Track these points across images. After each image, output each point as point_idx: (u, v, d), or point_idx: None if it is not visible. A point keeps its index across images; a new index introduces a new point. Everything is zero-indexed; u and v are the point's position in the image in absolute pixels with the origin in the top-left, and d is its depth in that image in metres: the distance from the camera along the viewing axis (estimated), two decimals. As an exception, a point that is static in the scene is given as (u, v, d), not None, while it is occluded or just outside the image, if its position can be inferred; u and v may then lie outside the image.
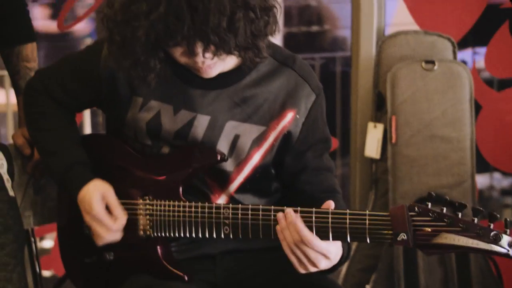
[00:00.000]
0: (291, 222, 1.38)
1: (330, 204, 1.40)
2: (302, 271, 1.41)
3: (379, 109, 2.51)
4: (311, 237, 1.37)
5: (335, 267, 1.46)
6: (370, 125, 2.52)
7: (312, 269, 1.40)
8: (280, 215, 1.40)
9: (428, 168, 2.39)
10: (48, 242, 3.36)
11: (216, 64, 1.45)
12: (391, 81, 2.42)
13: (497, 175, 4.22)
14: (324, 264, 1.40)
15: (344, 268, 2.56)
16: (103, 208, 1.55)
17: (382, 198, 2.49)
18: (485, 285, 2.39)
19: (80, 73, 1.63)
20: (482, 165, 2.79)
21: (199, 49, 1.37)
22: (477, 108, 2.51)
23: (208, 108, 1.55)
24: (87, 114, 3.55)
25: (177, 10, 1.31)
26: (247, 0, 1.34)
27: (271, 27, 1.42)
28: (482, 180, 3.74)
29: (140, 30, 1.34)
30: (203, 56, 1.38)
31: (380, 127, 2.48)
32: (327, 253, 1.38)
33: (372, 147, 2.50)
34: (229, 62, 1.50)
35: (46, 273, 2.81)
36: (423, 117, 2.39)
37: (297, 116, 1.56)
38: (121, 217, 1.55)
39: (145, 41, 1.36)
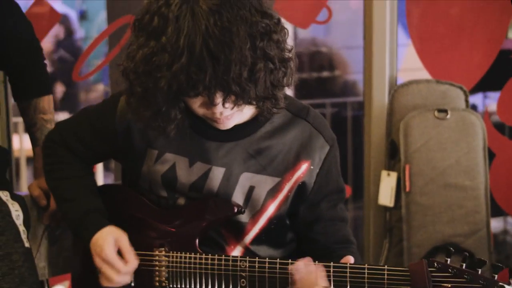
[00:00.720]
0: (311, 271, 1.37)
1: (349, 259, 1.40)
2: None
3: (393, 157, 2.51)
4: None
5: None
6: (384, 173, 2.51)
7: None
8: (300, 263, 1.39)
9: (442, 216, 2.38)
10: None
11: (233, 116, 1.46)
12: (404, 129, 2.43)
13: (510, 219, 4.19)
14: None
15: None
16: (114, 251, 1.55)
17: (397, 247, 2.48)
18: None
19: (97, 127, 1.65)
20: (496, 209, 2.77)
21: (219, 99, 1.38)
22: (490, 155, 2.51)
23: (223, 160, 1.56)
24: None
25: (199, 61, 1.32)
26: (267, 51, 1.36)
27: (288, 78, 1.43)
28: (495, 224, 3.71)
29: (163, 80, 1.35)
30: (223, 106, 1.39)
31: (394, 175, 2.48)
32: None
33: (386, 195, 2.49)
34: (246, 114, 1.51)
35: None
36: (437, 166, 2.39)
37: (311, 167, 1.57)
38: (132, 261, 1.55)
39: (167, 92, 1.37)
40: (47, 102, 1.93)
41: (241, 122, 1.53)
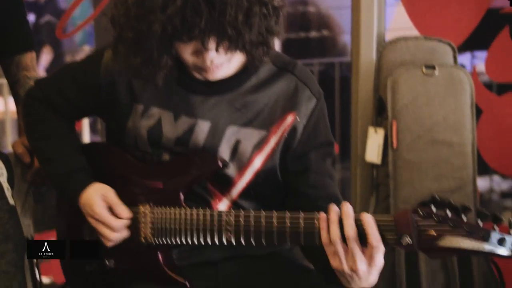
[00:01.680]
0: (348, 215, 1.34)
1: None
2: (346, 266, 1.35)
3: (380, 114, 2.50)
4: (378, 236, 1.31)
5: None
6: (371, 130, 2.51)
7: (346, 268, 1.34)
8: (334, 207, 1.36)
9: (429, 172, 2.38)
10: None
11: (223, 66, 1.46)
12: (391, 86, 2.42)
13: (496, 178, 4.22)
14: (362, 270, 1.34)
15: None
16: (105, 209, 1.55)
17: (384, 203, 2.49)
18: (487, 289, 2.38)
19: (80, 82, 1.63)
20: (482, 168, 2.78)
21: (213, 44, 1.37)
22: (478, 112, 2.51)
23: (209, 114, 1.55)
24: (85, 122, 3.55)
25: (195, 3, 1.31)
26: None
27: (278, 27, 1.43)
28: (481, 183, 3.74)
29: (156, 24, 1.33)
30: (217, 51, 1.38)
31: (381, 132, 2.47)
32: (375, 259, 1.33)
33: (373, 152, 2.49)
34: (233, 66, 1.50)
35: (45, 280, 2.80)
36: (424, 122, 2.39)
37: (298, 119, 1.56)
38: (125, 215, 1.55)
39: (160, 36, 1.35)
40: (29, 59, 1.91)
41: (227, 76, 1.52)
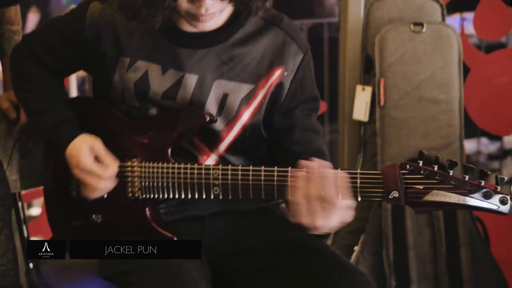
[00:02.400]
0: (325, 177, 1.34)
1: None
2: (306, 221, 1.37)
3: (368, 72, 2.50)
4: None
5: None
6: (359, 88, 2.51)
7: (319, 223, 1.36)
8: (310, 163, 1.36)
9: (416, 130, 2.39)
10: (36, 210, 3.35)
11: (215, 15, 1.46)
12: (379, 43, 2.40)
13: (484, 140, 4.25)
14: (335, 221, 1.36)
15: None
16: (91, 159, 1.54)
17: (371, 161, 2.50)
18: (472, 245, 2.40)
19: (65, 36, 1.61)
20: (470, 130, 2.80)
21: None
22: (466, 70, 2.51)
23: (196, 67, 1.54)
24: (73, 84, 3.52)
25: None
26: None
27: None
28: (469, 145, 3.76)
29: None
30: None
31: (369, 90, 2.47)
32: (330, 220, 1.35)
33: (361, 110, 2.49)
34: (222, 17, 1.51)
35: (34, 239, 2.80)
36: (412, 80, 2.39)
37: (285, 73, 1.56)
38: (112, 164, 1.54)
39: None
40: (14, 12, 1.88)
41: (215, 28, 1.52)
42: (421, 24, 2.40)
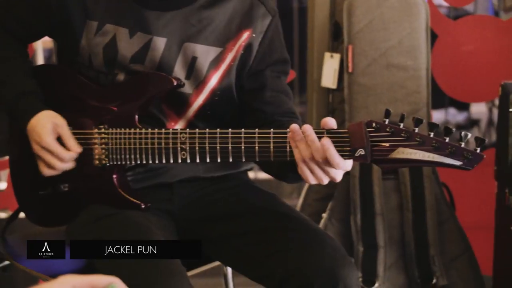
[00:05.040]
0: (313, 140, 1.32)
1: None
2: (314, 182, 1.36)
3: (336, 39, 2.49)
4: (339, 159, 1.31)
5: None
6: (327, 55, 2.50)
7: (326, 181, 1.35)
8: (294, 126, 1.33)
9: (384, 96, 2.40)
10: (2, 184, 3.31)
11: None
12: (347, 10, 2.40)
13: (452, 110, 4.29)
14: (340, 177, 1.35)
15: (300, 198, 2.58)
16: (54, 138, 1.51)
17: (339, 128, 2.48)
18: (438, 210, 2.43)
19: (30, 1, 1.59)
20: (438, 101, 2.81)
21: None
22: (433, 37, 2.52)
23: (164, 30, 1.53)
24: (40, 56, 3.47)
25: None
26: None
27: None
28: (437, 116, 3.79)
29: None
30: None
31: (337, 57, 2.47)
32: (347, 168, 1.33)
33: (329, 78, 2.49)
34: None
35: (2, 215, 2.77)
36: (379, 46, 2.39)
37: (253, 35, 1.55)
38: (75, 148, 1.52)
39: None
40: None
41: None
42: (389, -10, 2.40)
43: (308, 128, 1.32)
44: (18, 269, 1.66)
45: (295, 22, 4.11)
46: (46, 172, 1.53)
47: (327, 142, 1.30)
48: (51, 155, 1.51)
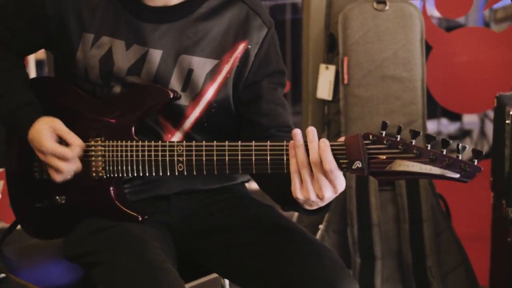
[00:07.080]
0: (312, 140, 1.31)
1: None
2: (300, 196, 1.33)
3: (331, 50, 2.50)
4: (333, 162, 1.30)
5: (322, 209, 1.39)
6: (322, 67, 2.51)
7: (313, 197, 1.32)
8: (296, 130, 1.33)
9: (379, 108, 2.41)
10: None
11: None
12: (342, 22, 2.41)
13: (444, 121, 4.31)
14: (328, 195, 1.32)
15: (297, 209, 2.58)
16: (53, 140, 1.52)
17: (335, 140, 2.50)
18: (435, 221, 2.44)
19: (26, 12, 1.59)
20: (430, 110, 2.83)
21: None
22: (428, 49, 2.53)
23: (160, 42, 1.53)
24: (32, 65, 3.46)
25: None
26: None
27: None
28: (429, 126, 3.81)
29: None
30: None
31: (332, 68, 2.48)
32: (337, 184, 1.31)
33: (324, 89, 2.50)
34: None
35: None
36: (375, 58, 2.40)
37: (249, 46, 1.56)
38: (76, 143, 1.52)
39: None
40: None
41: (178, 2, 1.52)
42: (384, 2, 2.41)
43: (311, 128, 1.33)
44: (14, 281, 1.66)
45: (288, 33, 4.13)
46: (57, 177, 1.53)
47: (324, 143, 1.31)
48: (56, 158, 1.51)
